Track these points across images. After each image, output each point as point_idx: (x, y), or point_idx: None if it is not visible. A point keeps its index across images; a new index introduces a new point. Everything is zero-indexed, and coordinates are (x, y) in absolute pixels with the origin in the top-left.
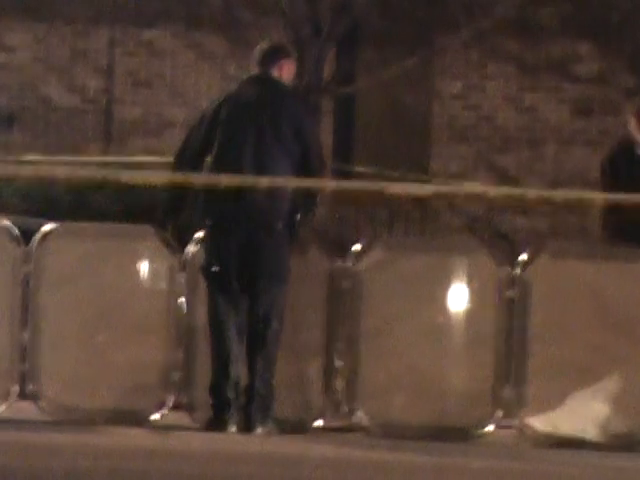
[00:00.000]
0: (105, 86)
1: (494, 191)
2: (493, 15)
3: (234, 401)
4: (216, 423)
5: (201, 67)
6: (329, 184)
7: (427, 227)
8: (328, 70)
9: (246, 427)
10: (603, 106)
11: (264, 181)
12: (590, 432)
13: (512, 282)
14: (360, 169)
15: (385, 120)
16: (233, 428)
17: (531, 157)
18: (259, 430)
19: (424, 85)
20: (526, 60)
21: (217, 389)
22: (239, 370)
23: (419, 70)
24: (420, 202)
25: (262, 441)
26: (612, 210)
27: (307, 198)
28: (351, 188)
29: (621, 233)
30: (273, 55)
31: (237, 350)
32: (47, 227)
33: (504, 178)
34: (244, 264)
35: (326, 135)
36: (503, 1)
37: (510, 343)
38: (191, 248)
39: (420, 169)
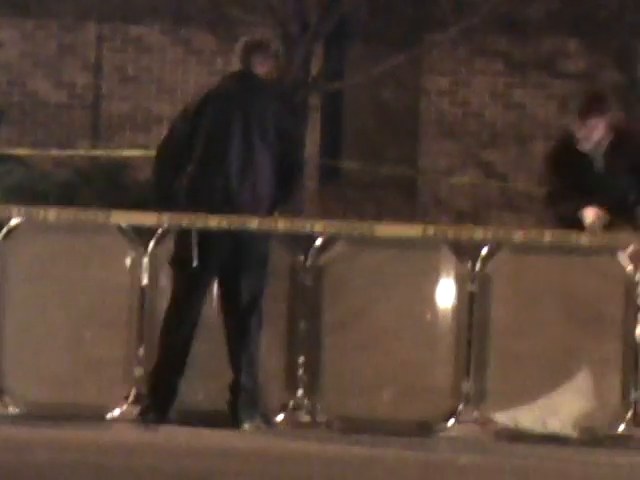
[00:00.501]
0: (93, 82)
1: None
2: (481, 12)
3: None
4: (154, 412)
5: (189, 63)
6: (319, 224)
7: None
8: (316, 66)
9: (233, 423)
10: None
11: (253, 222)
12: (551, 425)
13: (473, 276)
14: (348, 165)
15: (373, 116)
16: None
17: (519, 153)
18: (246, 426)
19: (412, 81)
20: (514, 56)
21: (164, 378)
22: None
23: (407, 66)
24: (408, 197)
25: (243, 437)
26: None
27: (286, 190)
28: (340, 230)
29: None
30: (250, 51)
31: (189, 347)
32: (12, 221)
33: (492, 174)
34: (224, 257)
35: (314, 131)
36: None
37: (471, 337)
38: (153, 243)
39: (408, 165)
